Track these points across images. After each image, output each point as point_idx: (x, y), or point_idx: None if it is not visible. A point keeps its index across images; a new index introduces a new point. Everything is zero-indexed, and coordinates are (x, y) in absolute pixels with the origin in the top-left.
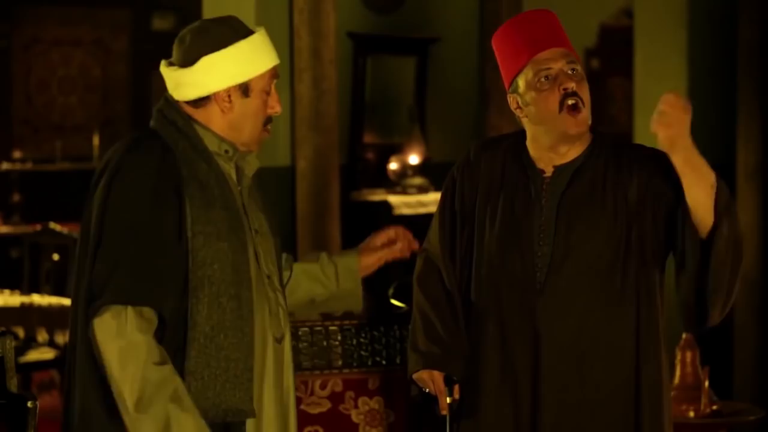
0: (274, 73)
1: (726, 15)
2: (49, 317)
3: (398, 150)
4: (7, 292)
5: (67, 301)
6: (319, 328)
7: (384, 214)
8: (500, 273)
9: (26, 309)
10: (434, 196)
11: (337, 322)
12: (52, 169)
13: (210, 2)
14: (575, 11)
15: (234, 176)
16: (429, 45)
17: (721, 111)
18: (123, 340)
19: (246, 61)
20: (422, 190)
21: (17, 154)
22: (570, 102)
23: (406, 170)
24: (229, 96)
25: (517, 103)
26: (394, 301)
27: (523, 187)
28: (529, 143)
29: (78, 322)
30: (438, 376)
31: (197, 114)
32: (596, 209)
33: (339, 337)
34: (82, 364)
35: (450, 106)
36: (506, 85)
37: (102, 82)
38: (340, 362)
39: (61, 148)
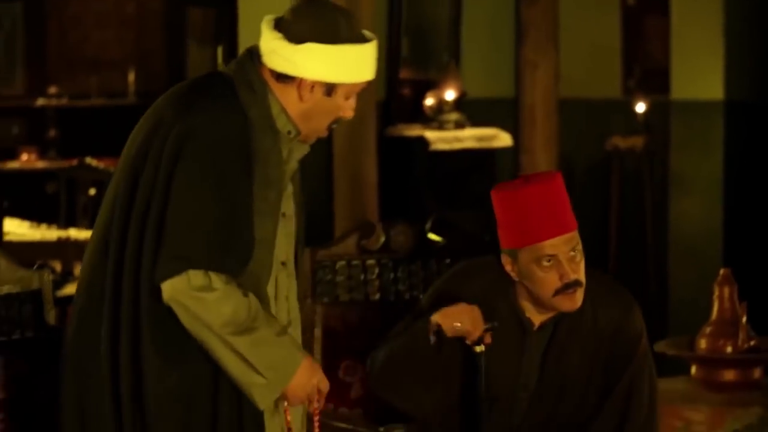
0: (363, 85)
1: None
2: None
3: (434, 85)
4: (44, 226)
5: None
6: (356, 262)
7: (420, 150)
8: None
9: (63, 243)
10: (470, 132)
11: (375, 256)
12: (88, 105)
13: None
14: None
15: (285, 156)
16: None
17: (757, 49)
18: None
19: (345, 66)
20: (459, 125)
21: (53, 90)
22: (568, 291)
23: (442, 106)
24: (313, 87)
25: (512, 266)
26: (431, 236)
27: (514, 334)
28: (519, 294)
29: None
30: (478, 310)
31: (275, 86)
32: (571, 371)
33: (376, 271)
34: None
35: (486, 41)
36: (502, 245)
37: (137, 17)
38: (377, 296)
39: (97, 84)
